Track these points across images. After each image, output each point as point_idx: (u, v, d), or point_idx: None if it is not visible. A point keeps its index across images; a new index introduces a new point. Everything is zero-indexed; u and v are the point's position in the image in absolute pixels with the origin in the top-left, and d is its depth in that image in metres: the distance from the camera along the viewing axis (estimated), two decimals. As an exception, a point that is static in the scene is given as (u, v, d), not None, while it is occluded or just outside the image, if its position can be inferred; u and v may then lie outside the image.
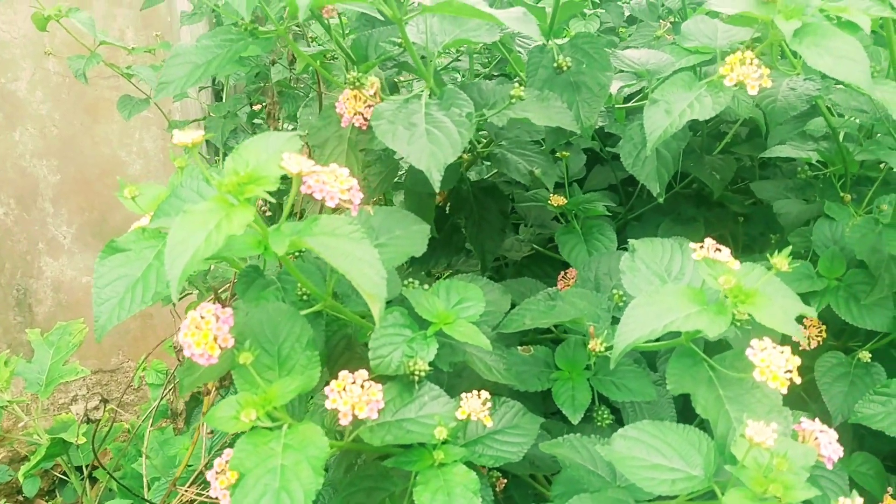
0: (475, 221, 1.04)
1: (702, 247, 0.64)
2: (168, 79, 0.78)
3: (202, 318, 0.56)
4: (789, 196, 1.21)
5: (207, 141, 1.86)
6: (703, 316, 0.60)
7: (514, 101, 0.73)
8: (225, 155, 1.99)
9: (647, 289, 0.69)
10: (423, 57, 0.78)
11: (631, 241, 0.75)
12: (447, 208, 1.11)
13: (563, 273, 1.07)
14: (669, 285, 0.66)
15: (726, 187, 1.28)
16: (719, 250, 0.64)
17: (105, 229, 2.26)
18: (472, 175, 1.15)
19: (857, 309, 0.94)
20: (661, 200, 0.85)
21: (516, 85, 0.73)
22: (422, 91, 0.71)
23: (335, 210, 0.60)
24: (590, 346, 0.72)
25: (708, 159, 1.25)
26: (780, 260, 0.60)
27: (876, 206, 1.00)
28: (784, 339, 0.67)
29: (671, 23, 1.30)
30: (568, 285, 1.06)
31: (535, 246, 1.14)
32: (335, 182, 0.58)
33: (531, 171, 0.89)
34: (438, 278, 1.37)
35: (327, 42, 0.87)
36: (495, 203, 1.04)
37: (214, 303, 0.99)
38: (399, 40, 0.84)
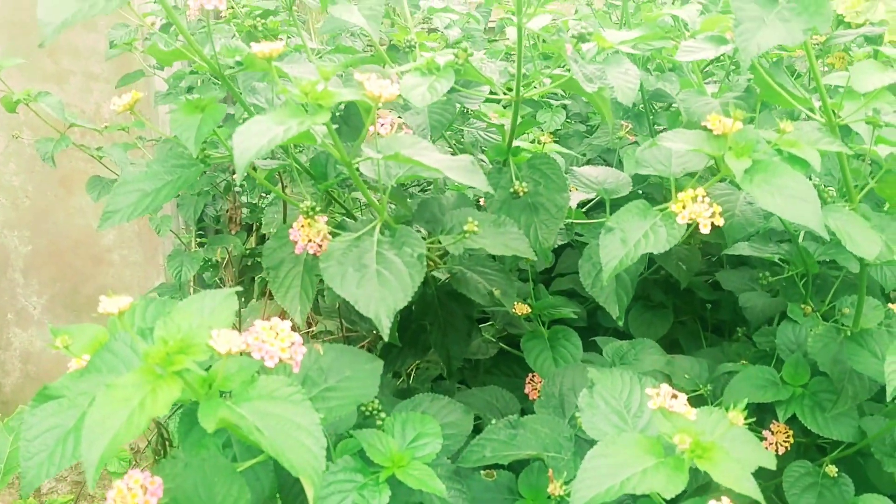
0: (440, 326, 1.02)
1: (658, 394, 0.63)
2: (114, 208, 0.75)
3: (129, 489, 0.54)
4: (755, 288, 1.21)
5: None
6: (661, 472, 0.59)
7: (468, 235, 0.73)
8: (197, 231, 1.97)
9: (606, 429, 0.68)
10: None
11: (591, 372, 0.74)
12: (413, 307, 1.10)
13: (530, 376, 1.06)
14: (626, 434, 0.65)
15: (695, 273, 1.28)
16: (675, 397, 0.63)
17: (77, 300, 2.23)
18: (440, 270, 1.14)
19: (822, 419, 0.93)
20: (620, 323, 0.85)
21: (469, 220, 0.73)
22: (374, 227, 0.71)
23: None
24: (549, 490, 0.70)
25: (675, 249, 1.25)
26: (736, 416, 0.59)
27: (838, 309, 1.00)
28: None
29: (637, 112, 1.32)
30: (536, 389, 1.04)
31: (502, 346, 1.13)
32: (275, 340, 0.56)
33: (490, 292, 0.88)
34: (410, 373, 1.35)
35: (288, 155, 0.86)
36: (461, 307, 1.03)
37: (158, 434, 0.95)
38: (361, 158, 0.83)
